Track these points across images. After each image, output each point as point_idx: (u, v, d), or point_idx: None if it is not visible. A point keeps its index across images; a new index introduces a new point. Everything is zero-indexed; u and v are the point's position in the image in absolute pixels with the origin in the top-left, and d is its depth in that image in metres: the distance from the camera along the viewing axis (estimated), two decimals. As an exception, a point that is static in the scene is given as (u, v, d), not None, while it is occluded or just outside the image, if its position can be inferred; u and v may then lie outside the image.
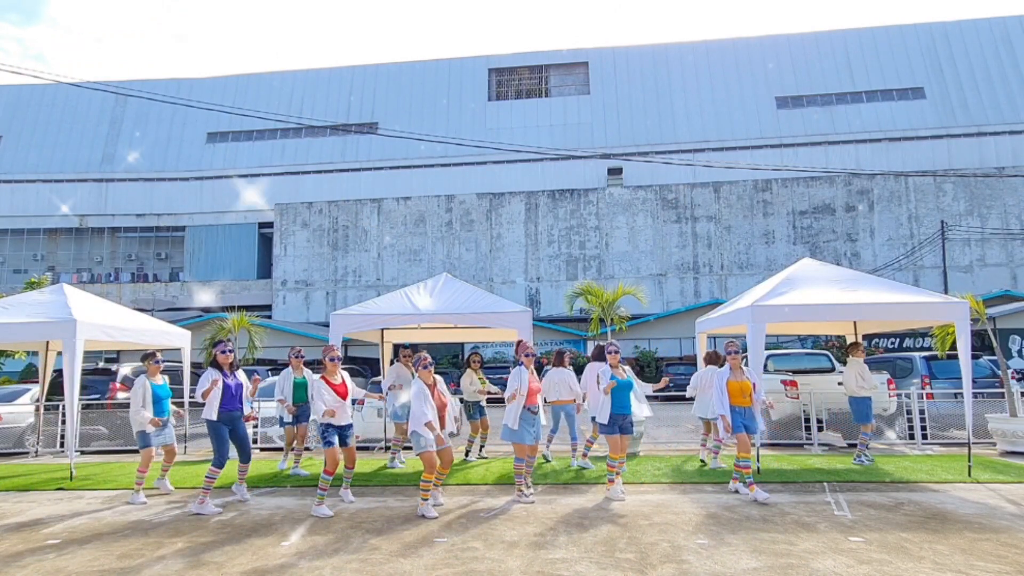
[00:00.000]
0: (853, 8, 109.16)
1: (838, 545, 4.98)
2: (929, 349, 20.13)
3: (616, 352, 7.06)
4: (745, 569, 4.48)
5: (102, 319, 9.28)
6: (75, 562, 4.85)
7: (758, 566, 4.53)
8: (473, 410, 9.55)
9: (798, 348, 22.53)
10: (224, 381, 6.81)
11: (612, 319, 17.47)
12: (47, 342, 11.00)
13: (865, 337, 11.17)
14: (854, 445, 10.14)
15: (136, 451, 11.06)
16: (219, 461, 6.64)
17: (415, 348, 8.63)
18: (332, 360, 6.72)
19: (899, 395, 10.88)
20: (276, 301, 37.32)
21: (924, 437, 10.44)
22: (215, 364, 6.87)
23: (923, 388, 11.26)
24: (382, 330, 11.02)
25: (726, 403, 6.94)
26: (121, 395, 12.62)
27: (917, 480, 7.50)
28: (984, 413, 10.11)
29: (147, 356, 7.55)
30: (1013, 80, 37.94)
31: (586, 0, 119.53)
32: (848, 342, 10.28)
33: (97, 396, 11.98)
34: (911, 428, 10.54)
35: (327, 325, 10.42)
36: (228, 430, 6.81)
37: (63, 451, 10.85)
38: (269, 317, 34.47)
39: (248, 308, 21.88)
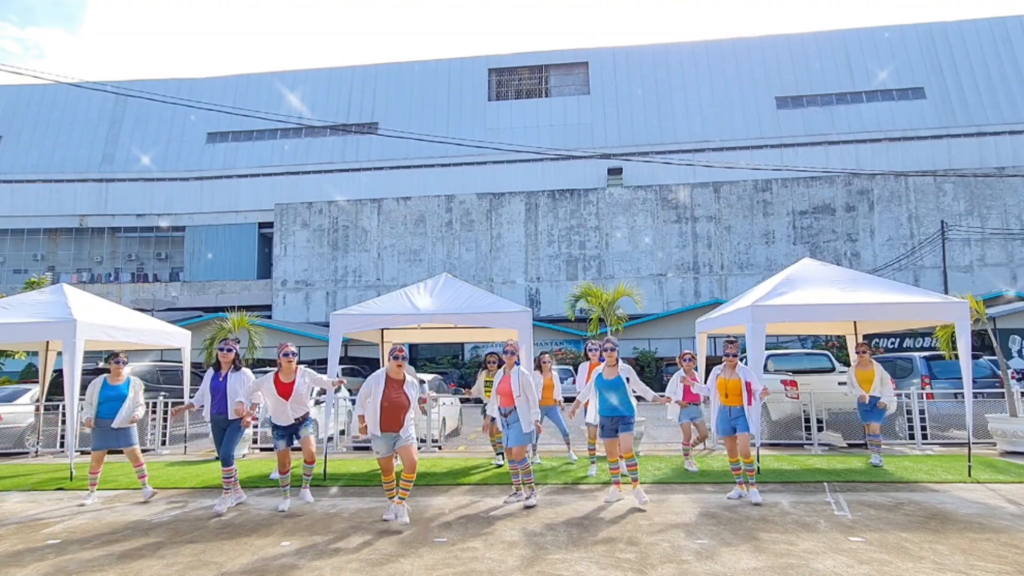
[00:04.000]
0: (853, 8, 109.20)
1: (838, 545, 4.98)
2: (930, 349, 20.10)
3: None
4: (745, 569, 4.48)
5: (102, 319, 9.28)
6: (75, 562, 4.85)
7: (758, 566, 4.53)
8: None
9: (798, 348, 22.53)
10: (213, 383, 6.68)
11: (611, 320, 17.52)
12: (47, 342, 11.00)
13: (865, 337, 11.17)
14: (854, 445, 10.15)
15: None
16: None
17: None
18: (286, 356, 6.49)
19: (899, 395, 10.87)
20: (276, 301, 37.31)
21: (924, 437, 10.44)
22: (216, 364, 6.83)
23: (923, 388, 11.26)
24: (382, 330, 11.04)
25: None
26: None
27: (917, 480, 7.50)
28: (984, 413, 10.11)
29: (111, 356, 7.42)
30: (1013, 80, 37.92)
31: (586, 0, 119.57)
32: (857, 343, 10.22)
33: (97, 396, 11.94)
34: (911, 428, 10.54)
35: (327, 325, 10.41)
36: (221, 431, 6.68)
37: (63, 451, 10.85)
38: (269, 317, 34.46)
39: (248, 308, 21.84)
